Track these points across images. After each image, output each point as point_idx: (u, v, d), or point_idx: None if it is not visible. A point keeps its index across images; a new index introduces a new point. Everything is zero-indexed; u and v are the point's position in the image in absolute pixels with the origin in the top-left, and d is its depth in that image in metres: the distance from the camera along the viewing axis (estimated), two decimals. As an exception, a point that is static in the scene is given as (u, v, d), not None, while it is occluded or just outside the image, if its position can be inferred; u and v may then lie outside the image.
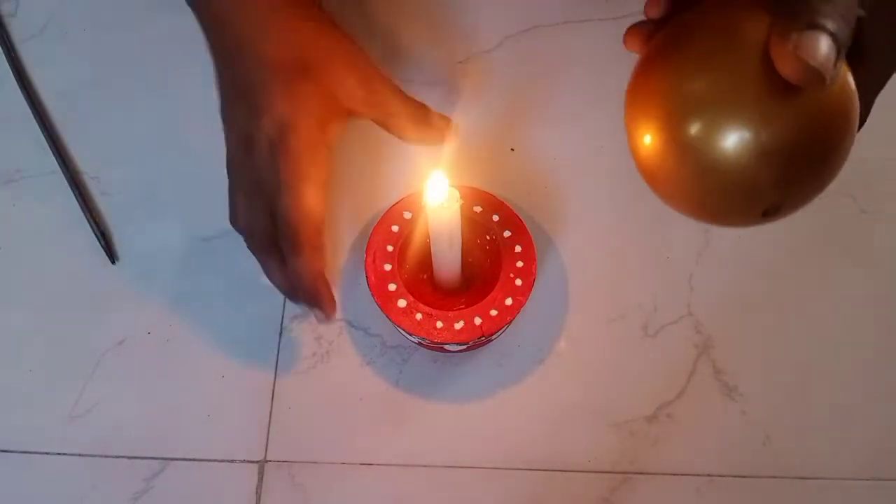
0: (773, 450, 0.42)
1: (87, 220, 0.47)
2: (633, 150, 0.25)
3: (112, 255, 0.47)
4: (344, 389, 0.44)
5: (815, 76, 0.21)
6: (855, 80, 0.24)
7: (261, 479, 0.42)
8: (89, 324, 0.46)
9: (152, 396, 0.44)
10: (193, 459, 0.43)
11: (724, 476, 0.41)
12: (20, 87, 0.51)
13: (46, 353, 0.45)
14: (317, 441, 0.43)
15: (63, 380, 0.45)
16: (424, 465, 0.42)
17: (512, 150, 0.47)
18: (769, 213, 0.24)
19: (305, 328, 0.45)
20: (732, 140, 0.21)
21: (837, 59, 0.21)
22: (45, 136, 0.50)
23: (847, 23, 0.22)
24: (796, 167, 0.23)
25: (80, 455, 0.43)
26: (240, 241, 0.47)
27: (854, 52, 0.24)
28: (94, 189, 0.49)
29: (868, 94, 0.26)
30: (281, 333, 0.45)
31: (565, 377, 0.43)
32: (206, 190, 0.48)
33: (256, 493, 0.42)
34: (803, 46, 0.21)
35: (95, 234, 0.47)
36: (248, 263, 0.46)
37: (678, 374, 0.43)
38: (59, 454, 0.43)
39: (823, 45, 0.21)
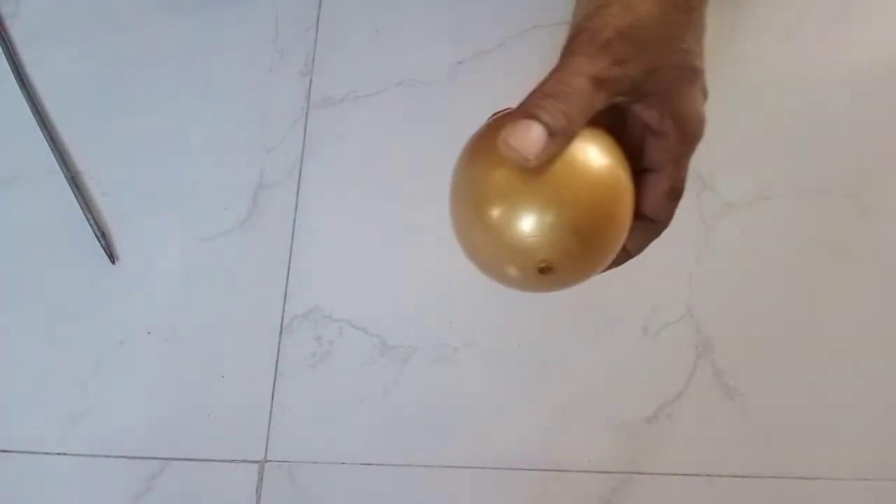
0: (773, 450, 0.42)
1: (88, 220, 0.47)
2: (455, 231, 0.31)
3: (112, 255, 0.47)
4: (344, 389, 0.44)
5: (518, 157, 0.27)
6: (664, 151, 0.30)
7: (261, 479, 0.42)
8: (89, 324, 0.46)
9: (152, 396, 0.44)
10: (193, 459, 0.43)
11: (723, 476, 0.41)
12: (20, 87, 0.51)
13: (46, 354, 0.45)
14: (317, 441, 0.43)
15: (63, 380, 0.45)
16: (424, 465, 0.42)
17: (512, 150, 0.47)
18: (544, 270, 0.28)
19: (305, 328, 0.45)
20: (523, 219, 0.27)
21: (549, 143, 0.27)
22: (44, 137, 0.49)
23: (568, 119, 0.27)
24: (572, 239, 0.28)
25: (80, 455, 0.43)
26: (239, 240, 0.47)
27: (650, 131, 0.30)
28: (94, 189, 0.49)
29: (680, 160, 0.31)
30: (281, 333, 0.45)
31: (566, 377, 0.43)
32: (205, 190, 0.48)
33: (256, 493, 0.42)
34: (513, 133, 0.27)
35: (95, 234, 0.47)
36: (248, 263, 0.47)
37: (678, 374, 0.43)
38: (59, 454, 0.43)
39: (532, 133, 0.27)
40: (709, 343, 0.44)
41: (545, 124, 0.27)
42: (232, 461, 0.43)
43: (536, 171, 0.27)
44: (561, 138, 0.28)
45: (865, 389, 0.43)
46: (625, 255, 0.34)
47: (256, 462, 0.43)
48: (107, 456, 0.43)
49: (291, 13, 0.52)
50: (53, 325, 0.46)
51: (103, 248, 0.47)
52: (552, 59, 0.51)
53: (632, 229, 0.32)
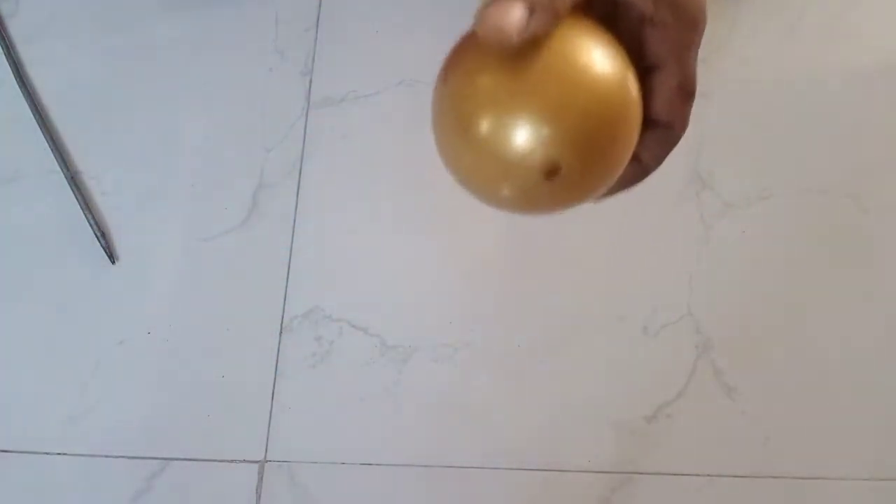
0: (773, 450, 0.42)
1: (87, 220, 0.47)
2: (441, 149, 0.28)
3: (112, 255, 0.47)
4: (344, 389, 0.44)
5: (497, 35, 0.25)
6: (664, 42, 0.27)
7: (261, 479, 0.42)
8: (89, 324, 0.46)
9: (152, 396, 0.44)
10: (193, 459, 0.43)
11: (723, 476, 0.41)
12: (20, 87, 0.51)
13: (46, 354, 0.45)
14: (317, 441, 0.43)
15: (63, 380, 0.45)
16: (424, 466, 0.42)
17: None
18: (551, 174, 0.25)
19: (305, 328, 0.45)
20: (517, 129, 0.24)
21: (531, 20, 0.25)
22: (44, 136, 0.49)
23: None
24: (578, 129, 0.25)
25: (79, 455, 0.43)
26: (239, 240, 0.47)
27: (658, 18, 0.28)
28: (93, 189, 0.49)
29: (683, 52, 0.29)
30: (281, 333, 0.45)
31: (565, 377, 0.43)
32: (205, 190, 0.48)
33: (256, 493, 0.42)
34: (491, 12, 0.25)
35: (95, 234, 0.47)
36: (248, 263, 0.47)
37: (678, 374, 0.43)
38: (59, 454, 0.43)
39: (513, 9, 0.25)
40: (709, 343, 0.44)
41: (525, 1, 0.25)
42: (232, 461, 0.43)
43: (527, 72, 0.25)
44: (543, 15, 0.25)
45: (865, 389, 0.43)
46: (641, 169, 0.31)
47: (256, 462, 0.43)
48: (107, 456, 0.43)
49: (291, 13, 0.52)
50: (53, 325, 0.46)
51: (103, 247, 0.47)
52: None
53: (644, 138, 0.30)
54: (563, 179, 0.25)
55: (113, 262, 0.47)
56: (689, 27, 0.29)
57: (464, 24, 0.53)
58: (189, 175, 0.49)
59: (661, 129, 0.30)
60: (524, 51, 0.25)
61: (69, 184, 0.48)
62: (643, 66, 0.29)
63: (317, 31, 0.51)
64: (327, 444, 0.43)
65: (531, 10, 0.25)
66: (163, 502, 0.42)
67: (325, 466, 0.42)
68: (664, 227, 0.46)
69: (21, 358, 0.45)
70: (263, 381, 0.44)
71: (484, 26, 0.25)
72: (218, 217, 0.48)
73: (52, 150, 0.49)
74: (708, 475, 0.41)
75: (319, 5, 0.52)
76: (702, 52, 0.48)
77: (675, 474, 0.41)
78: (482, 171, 0.26)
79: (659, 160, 0.31)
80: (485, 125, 0.25)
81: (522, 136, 0.24)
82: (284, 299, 0.45)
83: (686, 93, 0.30)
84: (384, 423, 0.43)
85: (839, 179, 0.46)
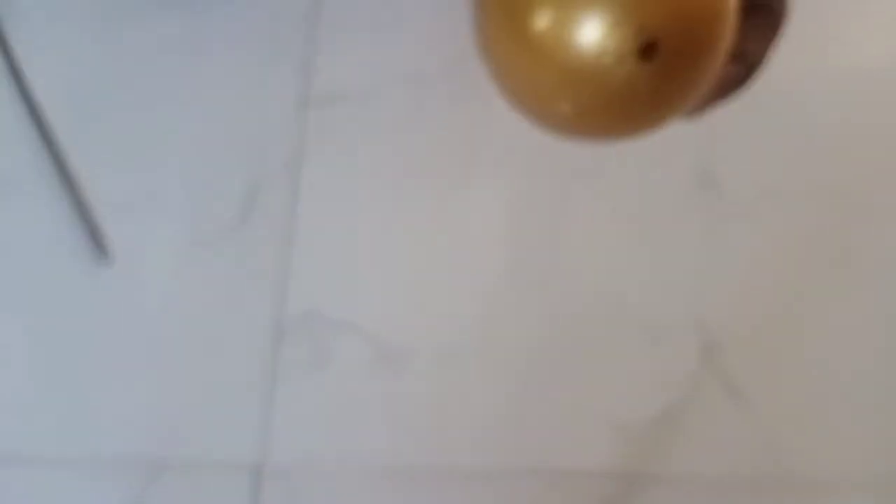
0: (777, 451, 0.42)
1: (83, 220, 0.47)
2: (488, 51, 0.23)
3: (106, 255, 0.46)
4: (343, 391, 0.44)
5: None
6: (752, 27, 0.25)
7: (258, 483, 0.42)
8: (87, 324, 0.45)
9: (149, 399, 0.44)
10: (192, 462, 0.43)
11: (729, 478, 0.42)
12: (16, 87, 0.50)
13: (45, 355, 0.45)
14: (315, 444, 0.43)
15: (62, 381, 0.44)
16: (424, 467, 0.42)
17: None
18: (648, 49, 0.20)
19: (304, 330, 0.45)
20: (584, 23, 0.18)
21: None
22: (41, 137, 0.49)
23: None
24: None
25: (75, 459, 0.43)
26: (237, 241, 0.47)
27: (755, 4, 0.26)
28: (90, 189, 0.49)
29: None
30: (279, 335, 0.45)
31: (568, 379, 0.43)
32: (203, 190, 0.48)
33: (255, 496, 0.42)
34: None
35: (92, 235, 0.47)
36: (247, 264, 0.46)
37: (682, 375, 0.43)
38: (54, 458, 0.43)
39: None
40: (713, 344, 0.44)
41: None
42: (228, 465, 0.42)
43: None
44: None
45: (869, 390, 0.43)
46: (746, 66, 0.29)
47: (254, 466, 0.42)
48: (102, 460, 0.43)
49: (291, 11, 0.52)
50: (49, 327, 0.46)
51: (99, 248, 0.46)
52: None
53: (746, 27, 0.26)
54: (661, 62, 0.20)
55: (108, 264, 0.47)
56: None
57: (464, 24, 0.53)
58: (185, 175, 0.49)
59: (760, 10, 0.27)
60: None
61: (62, 184, 0.48)
62: None
63: (317, 31, 0.51)
64: (326, 447, 0.43)
65: None
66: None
67: (323, 470, 0.42)
68: (669, 228, 0.46)
69: (20, 360, 0.45)
70: (262, 384, 0.44)
71: None
72: (215, 217, 0.48)
73: (47, 148, 0.49)
74: (713, 477, 0.41)
75: (319, 3, 0.52)
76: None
77: (679, 476, 0.42)
78: (547, 74, 0.20)
79: (763, 52, 0.30)
80: (545, 20, 0.19)
81: (593, 31, 0.18)
82: (283, 300, 0.45)
83: None
84: (383, 426, 0.43)
85: (839, 179, 0.46)
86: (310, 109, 0.49)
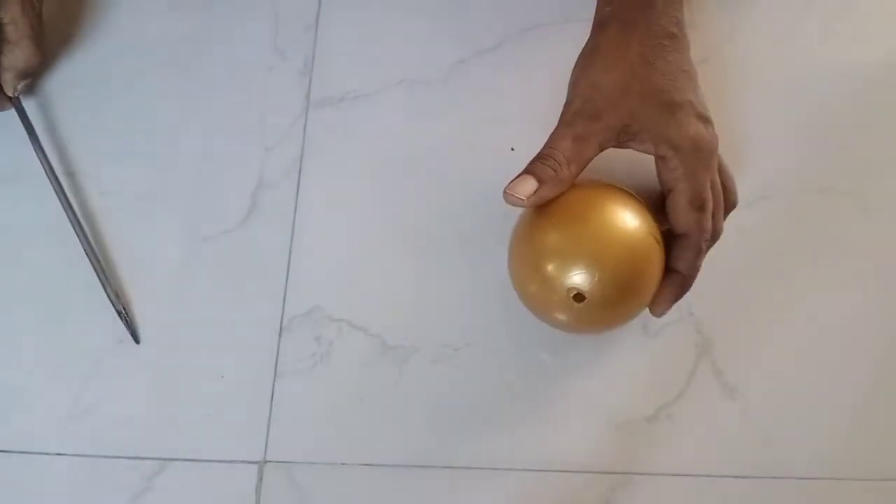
0: (774, 450, 0.42)
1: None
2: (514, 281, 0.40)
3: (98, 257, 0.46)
4: (344, 389, 0.44)
5: (515, 200, 0.37)
6: (671, 171, 0.38)
7: (261, 479, 0.42)
8: (88, 323, 0.46)
9: (152, 396, 0.44)
10: (193, 459, 0.43)
11: (724, 476, 0.42)
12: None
13: (46, 353, 0.45)
14: (317, 441, 0.43)
15: (62, 380, 0.45)
16: (424, 466, 0.42)
17: (512, 149, 0.47)
18: (577, 298, 0.36)
19: (305, 328, 0.45)
20: (574, 274, 0.36)
21: (540, 189, 0.37)
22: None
23: (554, 169, 0.37)
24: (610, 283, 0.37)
25: (80, 455, 0.43)
26: (238, 240, 0.47)
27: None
28: (91, 188, 0.49)
29: (691, 175, 0.38)
30: (281, 333, 0.45)
31: (565, 377, 0.43)
32: (204, 190, 0.48)
33: (256, 493, 0.42)
34: (512, 184, 0.37)
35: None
36: (248, 263, 0.47)
37: (678, 374, 0.43)
38: (58, 454, 0.43)
39: (525, 183, 0.37)
40: (709, 343, 0.44)
41: (534, 174, 0.37)
42: (231, 461, 0.43)
43: (576, 236, 0.37)
44: (550, 184, 0.37)
45: (866, 389, 0.43)
46: (682, 278, 0.39)
47: (256, 462, 0.43)
48: (106, 456, 0.43)
49: (291, 13, 0.52)
50: (52, 325, 0.46)
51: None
52: (552, 59, 0.51)
53: (672, 250, 0.38)
54: (587, 305, 0.36)
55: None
56: (689, 157, 0.37)
57: (464, 24, 0.53)
58: (187, 174, 0.49)
59: (681, 238, 0.38)
60: (574, 219, 0.37)
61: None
62: (664, 191, 0.38)
63: (317, 31, 0.51)
64: (327, 444, 0.43)
65: (540, 182, 0.37)
66: (163, 502, 0.42)
67: (325, 466, 0.42)
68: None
69: (20, 358, 0.45)
70: (263, 382, 0.44)
71: (507, 195, 0.37)
72: (217, 217, 0.48)
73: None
74: (708, 475, 0.41)
75: (319, 5, 0.52)
76: (703, 53, 0.48)
77: (675, 474, 0.42)
78: (542, 295, 0.38)
79: (691, 266, 0.39)
80: (550, 267, 0.36)
81: (566, 276, 0.36)
82: (284, 299, 0.45)
83: (696, 203, 0.37)
84: (384, 423, 0.43)
85: (839, 178, 0.46)
86: (311, 111, 0.49)
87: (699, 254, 0.38)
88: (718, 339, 0.44)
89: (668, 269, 0.39)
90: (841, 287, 0.45)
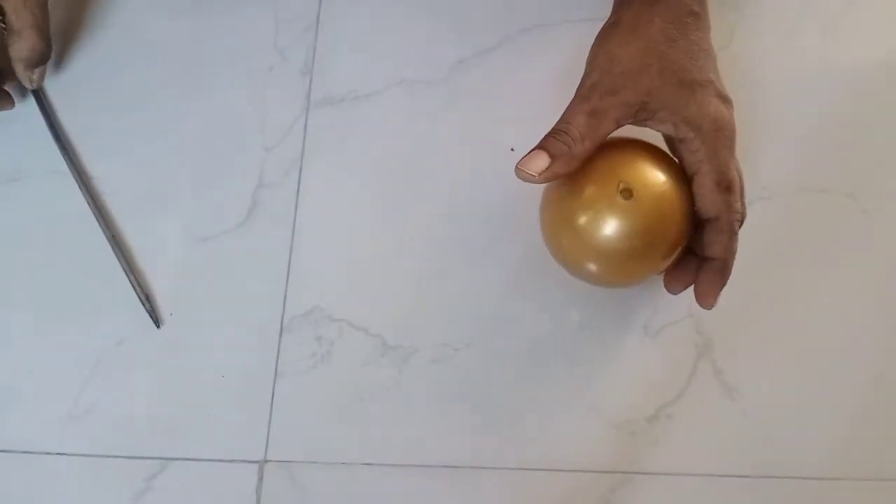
0: (774, 450, 0.42)
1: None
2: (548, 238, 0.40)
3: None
4: (344, 389, 0.44)
5: (527, 176, 0.36)
6: (694, 152, 0.37)
7: (261, 479, 0.42)
8: (89, 324, 0.46)
9: (152, 396, 0.44)
10: (193, 459, 0.43)
11: (724, 476, 0.42)
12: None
13: (46, 354, 0.45)
14: (317, 441, 0.43)
15: (63, 380, 0.45)
16: (424, 465, 0.42)
17: (512, 149, 0.47)
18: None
19: (305, 328, 0.45)
20: (605, 223, 0.36)
21: (552, 164, 0.36)
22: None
23: (568, 145, 0.36)
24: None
25: (80, 455, 0.43)
26: (238, 240, 0.47)
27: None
28: (95, 185, 0.49)
29: (713, 155, 0.36)
30: (281, 333, 0.45)
31: (565, 377, 0.43)
32: (205, 190, 0.48)
33: (256, 493, 0.42)
34: (524, 159, 0.36)
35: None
36: (248, 263, 0.47)
37: (678, 374, 0.43)
38: (58, 454, 0.43)
39: (538, 159, 0.36)
40: (709, 343, 0.44)
41: (546, 150, 0.36)
42: (232, 461, 0.43)
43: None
44: (562, 161, 0.36)
45: (866, 389, 0.43)
46: (719, 264, 0.37)
47: (256, 462, 0.43)
48: (106, 456, 0.43)
49: (291, 13, 0.52)
50: (53, 325, 0.46)
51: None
52: (552, 59, 0.51)
53: (705, 235, 0.37)
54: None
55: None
56: (711, 137, 0.36)
57: (464, 24, 0.53)
58: (188, 174, 0.49)
59: (713, 222, 0.37)
60: (608, 176, 0.36)
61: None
62: (689, 175, 0.37)
63: (317, 31, 0.51)
64: (327, 444, 0.43)
65: (553, 158, 0.36)
66: (162, 502, 0.42)
67: (325, 466, 0.42)
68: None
69: (21, 358, 0.45)
70: (263, 381, 0.44)
71: (519, 168, 0.36)
72: (217, 217, 0.48)
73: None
74: (708, 475, 0.41)
75: (319, 5, 0.52)
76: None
77: (675, 474, 0.42)
78: (576, 249, 0.38)
79: (727, 249, 0.37)
80: (583, 219, 0.37)
81: (606, 228, 0.36)
82: (284, 299, 0.46)
83: (724, 185, 0.36)
84: (384, 423, 0.43)
85: (839, 179, 0.46)
86: (311, 111, 0.49)
87: (733, 236, 0.37)
88: (718, 339, 0.44)
89: (704, 259, 0.37)
90: (841, 287, 0.45)
